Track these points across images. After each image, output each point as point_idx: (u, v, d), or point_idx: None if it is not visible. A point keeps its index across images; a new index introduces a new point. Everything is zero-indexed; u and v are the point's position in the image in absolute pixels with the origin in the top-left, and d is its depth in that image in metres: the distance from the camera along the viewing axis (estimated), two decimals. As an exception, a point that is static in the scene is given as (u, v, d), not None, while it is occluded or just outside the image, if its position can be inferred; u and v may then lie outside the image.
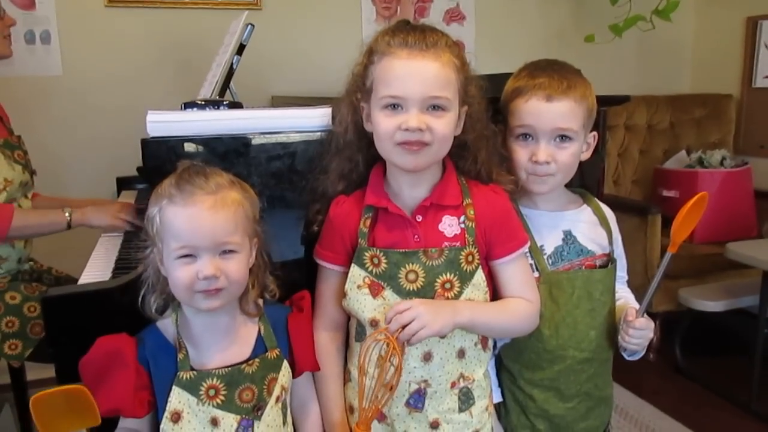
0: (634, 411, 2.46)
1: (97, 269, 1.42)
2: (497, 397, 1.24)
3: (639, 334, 1.19)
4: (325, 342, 1.18)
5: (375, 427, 1.13)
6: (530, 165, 1.19)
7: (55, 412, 0.83)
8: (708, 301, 2.59)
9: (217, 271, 0.98)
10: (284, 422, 1.10)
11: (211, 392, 1.02)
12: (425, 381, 1.11)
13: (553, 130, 1.17)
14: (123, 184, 2.37)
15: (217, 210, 0.98)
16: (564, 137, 1.18)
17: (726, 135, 3.41)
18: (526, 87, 1.19)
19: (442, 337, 1.10)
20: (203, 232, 0.97)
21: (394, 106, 1.06)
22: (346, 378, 1.19)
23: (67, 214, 1.75)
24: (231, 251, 1.00)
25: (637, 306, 1.22)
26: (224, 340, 1.06)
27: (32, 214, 1.83)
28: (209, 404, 1.01)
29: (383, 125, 1.07)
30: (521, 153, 1.20)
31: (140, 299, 1.05)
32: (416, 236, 1.11)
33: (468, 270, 1.11)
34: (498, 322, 1.13)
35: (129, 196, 2.24)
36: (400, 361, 1.03)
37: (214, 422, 1.02)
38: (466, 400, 1.14)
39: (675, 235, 1.15)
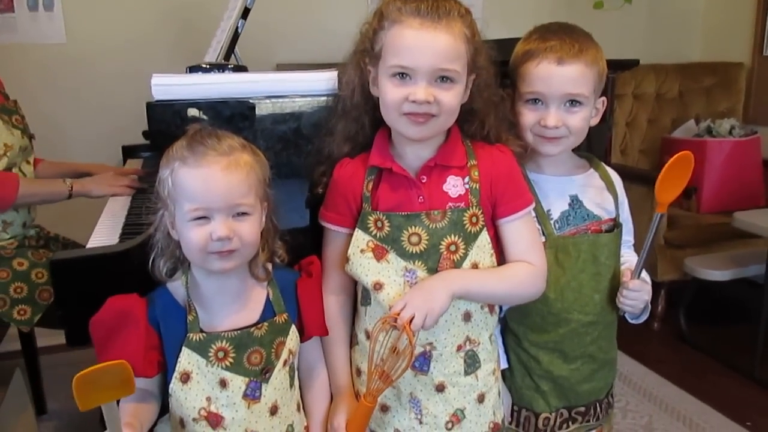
0: (639, 379, 2.48)
1: (104, 234, 1.42)
2: (503, 363, 1.25)
3: (633, 295, 1.20)
4: (333, 305, 1.18)
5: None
6: (538, 127, 1.19)
7: (95, 387, 0.83)
8: (714, 270, 2.60)
9: (230, 233, 0.98)
10: (291, 385, 1.11)
11: (221, 354, 1.02)
12: (430, 344, 1.11)
13: (563, 95, 1.16)
14: (128, 152, 2.36)
15: (231, 171, 0.98)
16: (574, 102, 1.17)
17: (735, 104, 3.38)
18: (537, 50, 1.17)
19: None
20: (217, 193, 0.97)
21: (402, 75, 1.05)
22: (353, 341, 1.20)
23: (68, 185, 1.82)
24: (244, 213, 1.00)
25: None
26: (234, 304, 1.06)
27: (36, 183, 1.89)
28: (218, 366, 1.02)
29: (390, 95, 1.06)
30: (529, 116, 1.20)
31: (150, 263, 1.05)
32: (420, 197, 1.11)
33: (472, 231, 1.11)
34: (495, 290, 1.12)
35: (134, 164, 2.24)
36: (412, 350, 1.03)
37: (223, 383, 1.03)
38: (472, 363, 1.14)
39: (659, 194, 1.15)
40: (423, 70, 1.03)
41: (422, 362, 1.12)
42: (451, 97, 1.06)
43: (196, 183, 0.97)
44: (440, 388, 1.13)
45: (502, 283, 1.12)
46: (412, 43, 1.03)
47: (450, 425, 1.14)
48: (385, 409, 1.16)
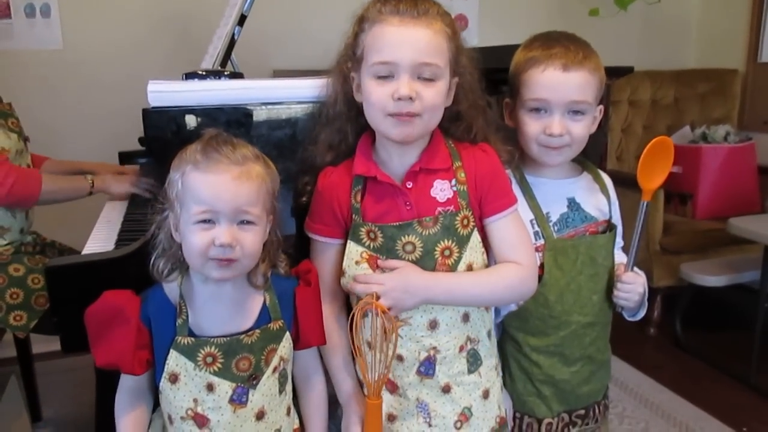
0: (634, 385, 2.48)
1: (100, 240, 1.42)
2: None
3: (628, 287, 1.22)
4: (328, 315, 1.17)
5: (387, 399, 1.14)
6: (543, 137, 1.19)
7: None
8: (709, 276, 2.60)
9: (233, 240, 0.98)
10: (281, 391, 1.10)
11: (209, 359, 1.03)
12: (434, 348, 1.12)
13: (567, 103, 1.17)
14: (125, 158, 2.35)
15: (242, 181, 0.98)
16: (577, 111, 1.18)
17: (730, 110, 3.39)
18: (541, 57, 1.17)
19: None
20: (225, 198, 0.97)
21: (385, 76, 1.05)
22: (355, 354, 1.19)
23: (89, 180, 1.83)
24: (249, 222, 1.00)
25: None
26: (228, 310, 1.06)
27: (59, 180, 1.87)
28: (206, 370, 1.03)
29: (374, 95, 1.06)
30: (533, 125, 1.19)
31: (151, 262, 1.05)
32: (407, 203, 1.10)
33: (464, 234, 1.11)
34: (482, 295, 1.12)
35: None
36: (394, 325, 1.05)
37: (210, 387, 1.03)
38: (474, 361, 1.15)
39: (641, 181, 1.17)
40: (404, 64, 1.03)
41: (427, 366, 1.12)
42: (434, 94, 1.05)
43: (205, 187, 0.98)
44: (446, 389, 1.13)
45: (488, 287, 1.12)
46: (393, 39, 1.04)
47: (459, 424, 1.14)
48: (392, 418, 1.15)
